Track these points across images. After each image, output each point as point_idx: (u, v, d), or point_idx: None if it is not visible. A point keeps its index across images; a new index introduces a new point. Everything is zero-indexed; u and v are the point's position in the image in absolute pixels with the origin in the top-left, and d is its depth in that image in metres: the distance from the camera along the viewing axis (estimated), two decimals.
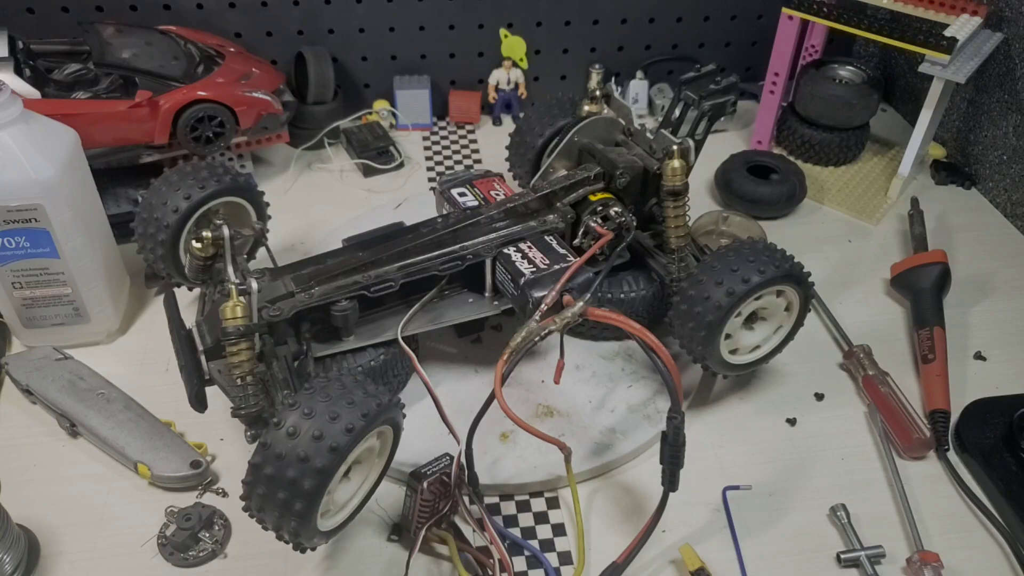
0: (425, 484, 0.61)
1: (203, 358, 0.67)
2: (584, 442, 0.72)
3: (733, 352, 0.73)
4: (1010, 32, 0.97)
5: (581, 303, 0.65)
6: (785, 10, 0.99)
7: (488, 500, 0.69)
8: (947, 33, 0.89)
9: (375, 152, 1.07)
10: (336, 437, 0.53)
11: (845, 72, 1.08)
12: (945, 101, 0.98)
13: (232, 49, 1.01)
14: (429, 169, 1.08)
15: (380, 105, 1.13)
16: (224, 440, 0.72)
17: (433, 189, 0.84)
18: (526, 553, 0.65)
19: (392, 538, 0.65)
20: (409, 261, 0.71)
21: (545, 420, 0.74)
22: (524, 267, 0.70)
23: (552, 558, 0.65)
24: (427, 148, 1.12)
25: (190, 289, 0.83)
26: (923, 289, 0.84)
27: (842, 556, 0.64)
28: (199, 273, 0.71)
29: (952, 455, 0.73)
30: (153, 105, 0.90)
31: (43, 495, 0.68)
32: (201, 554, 0.64)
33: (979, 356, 0.83)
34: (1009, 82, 0.98)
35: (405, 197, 1.01)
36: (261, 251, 0.82)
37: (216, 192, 0.76)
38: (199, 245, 0.68)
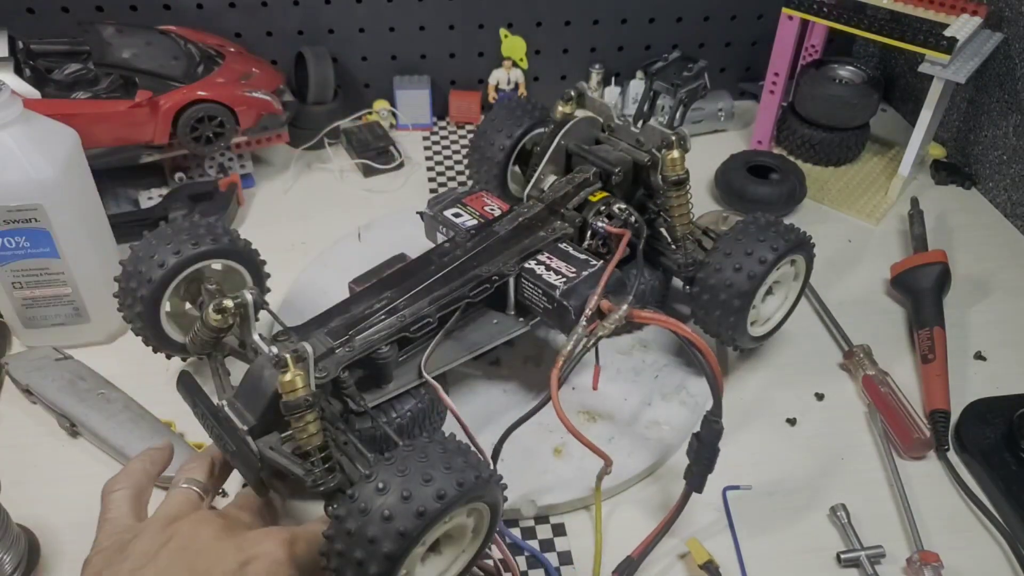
0: None
1: (249, 439, 0.59)
2: (636, 440, 0.72)
3: (755, 324, 0.75)
4: (1010, 32, 0.97)
5: (626, 306, 0.64)
6: (785, 10, 0.99)
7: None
8: (947, 33, 0.89)
9: (375, 152, 1.07)
10: (406, 522, 0.48)
11: (845, 72, 1.08)
12: (945, 101, 0.98)
13: (232, 49, 1.01)
14: (429, 169, 1.08)
15: (380, 105, 1.13)
16: None
17: (421, 214, 0.79)
18: (525, 553, 0.65)
19: None
20: (439, 293, 0.67)
21: (590, 426, 0.73)
22: (553, 279, 0.68)
23: (552, 558, 0.65)
24: (427, 148, 1.12)
25: (168, 357, 0.75)
26: (923, 289, 0.84)
27: (842, 556, 0.64)
28: (205, 345, 0.65)
29: (952, 455, 0.73)
30: (153, 105, 0.90)
31: (43, 495, 0.68)
32: None
33: (979, 356, 0.83)
34: (1009, 82, 0.98)
35: (369, 221, 0.96)
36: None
37: (209, 252, 0.69)
38: (219, 316, 0.61)
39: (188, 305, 0.72)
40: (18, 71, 0.86)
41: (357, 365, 0.63)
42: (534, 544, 0.66)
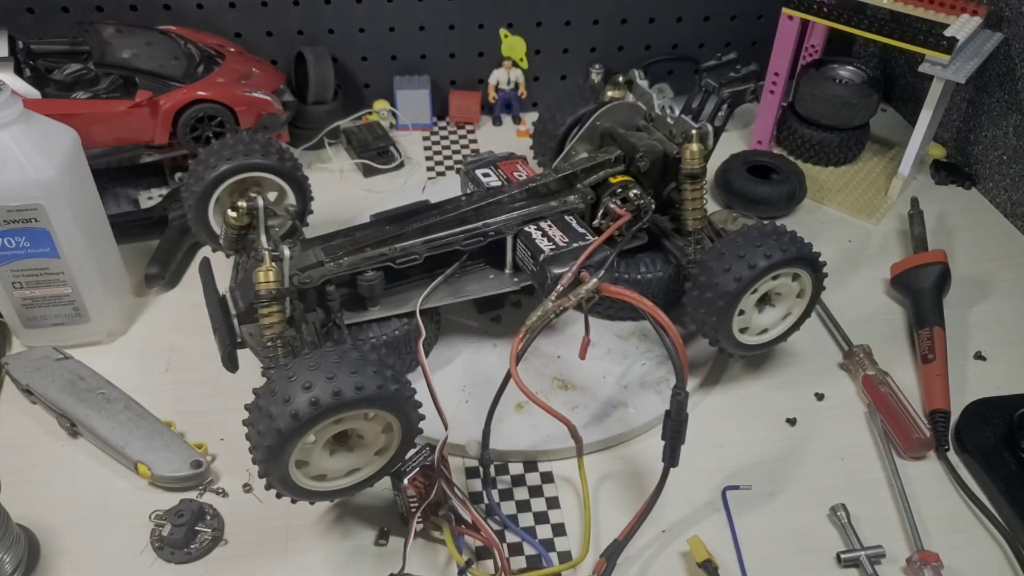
0: (405, 481, 0.62)
1: (236, 321, 0.69)
2: (596, 414, 0.74)
3: (748, 333, 0.75)
4: (1010, 32, 0.97)
5: (595, 279, 0.67)
6: (785, 10, 0.99)
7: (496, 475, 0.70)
8: (947, 33, 0.89)
9: (375, 152, 1.07)
10: (301, 407, 0.54)
11: (845, 72, 1.08)
12: (945, 101, 0.98)
13: (232, 49, 1.01)
14: (429, 169, 1.08)
15: (380, 105, 1.13)
16: (224, 440, 0.72)
17: (458, 170, 0.85)
18: (522, 542, 0.66)
19: (380, 543, 0.65)
20: (433, 236, 0.73)
21: (560, 393, 0.76)
22: (544, 244, 0.72)
23: (546, 530, 0.66)
24: (427, 148, 1.12)
25: (227, 256, 0.82)
26: (923, 289, 0.84)
27: (842, 556, 0.64)
28: (233, 242, 0.73)
29: (952, 455, 0.73)
30: (153, 105, 0.90)
31: (43, 495, 0.68)
32: (203, 544, 0.64)
33: (979, 356, 0.82)
34: (1009, 82, 0.98)
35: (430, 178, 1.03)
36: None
37: (255, 165, 0.76)
38: (234, 214, 0.71)
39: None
40: (18, 71, 0.86)
41: (345, 284, 0.71)
42: (529, 517, 0.67)
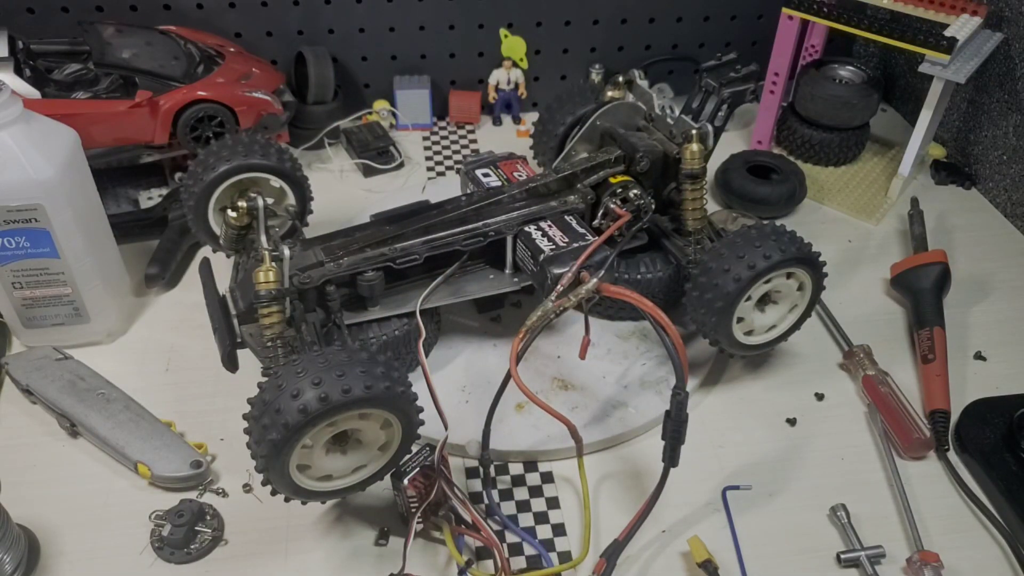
0: (405, 481, 0.62)
1: (236, 321, 0.69)
2: (596, 414, 0.74)
3: (748, 333, 0.75)
4: (1010, 32, 0.97)
5: (595, 279, 0.67)
6: (785, 10, 0.99)
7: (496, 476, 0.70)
8: (947, 33, 0.89)
9: (375, 152, 1.07)
10: (309, 402, 0.54)
11: (845, 72, 1.08)
12: (945, 101, 0.98)
13: (232, 49, 1.01)
14: (429, 169, 1.08)
15: (380, 105, 1.13)
16: (224, 440, 0.72)
17: (458, 170, 0.85)
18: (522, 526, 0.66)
19: (380, 543, 0.65)
20: (433, 236, 0.73)
21: (560, 393, 0.76)
22: (544, 244, 0.72)
23: (546, 530, 0.66)
24: (427, 148, 1.12)
25: (228, 256, 0.82)
26: (923, 289, 0.84)
27: (842, 556, 0.64)
28: (233, 242, 0.74)
29: (952, 455, 0.73)
30: (153, 105, 0.90)
31: (43, 495, 0.68)
32: (203, 544, 0.64)
33: (979, 356, 0.82)
34: (1009, 82, 0.98)
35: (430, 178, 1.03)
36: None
37: (254, 165, 0.76)
38: (234, 215, 0.71)
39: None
40: (18, 71, 0.86)
41: (345, 284, 0.71)
42: (529, 517, 0.67)
